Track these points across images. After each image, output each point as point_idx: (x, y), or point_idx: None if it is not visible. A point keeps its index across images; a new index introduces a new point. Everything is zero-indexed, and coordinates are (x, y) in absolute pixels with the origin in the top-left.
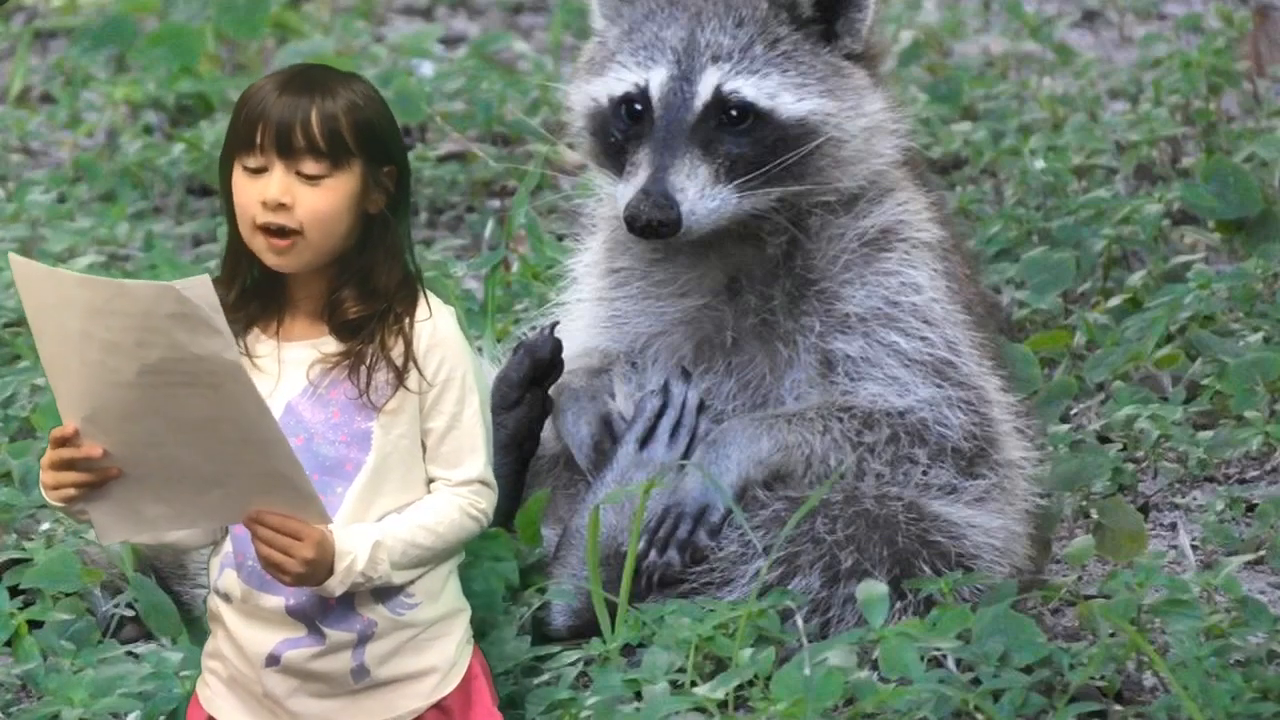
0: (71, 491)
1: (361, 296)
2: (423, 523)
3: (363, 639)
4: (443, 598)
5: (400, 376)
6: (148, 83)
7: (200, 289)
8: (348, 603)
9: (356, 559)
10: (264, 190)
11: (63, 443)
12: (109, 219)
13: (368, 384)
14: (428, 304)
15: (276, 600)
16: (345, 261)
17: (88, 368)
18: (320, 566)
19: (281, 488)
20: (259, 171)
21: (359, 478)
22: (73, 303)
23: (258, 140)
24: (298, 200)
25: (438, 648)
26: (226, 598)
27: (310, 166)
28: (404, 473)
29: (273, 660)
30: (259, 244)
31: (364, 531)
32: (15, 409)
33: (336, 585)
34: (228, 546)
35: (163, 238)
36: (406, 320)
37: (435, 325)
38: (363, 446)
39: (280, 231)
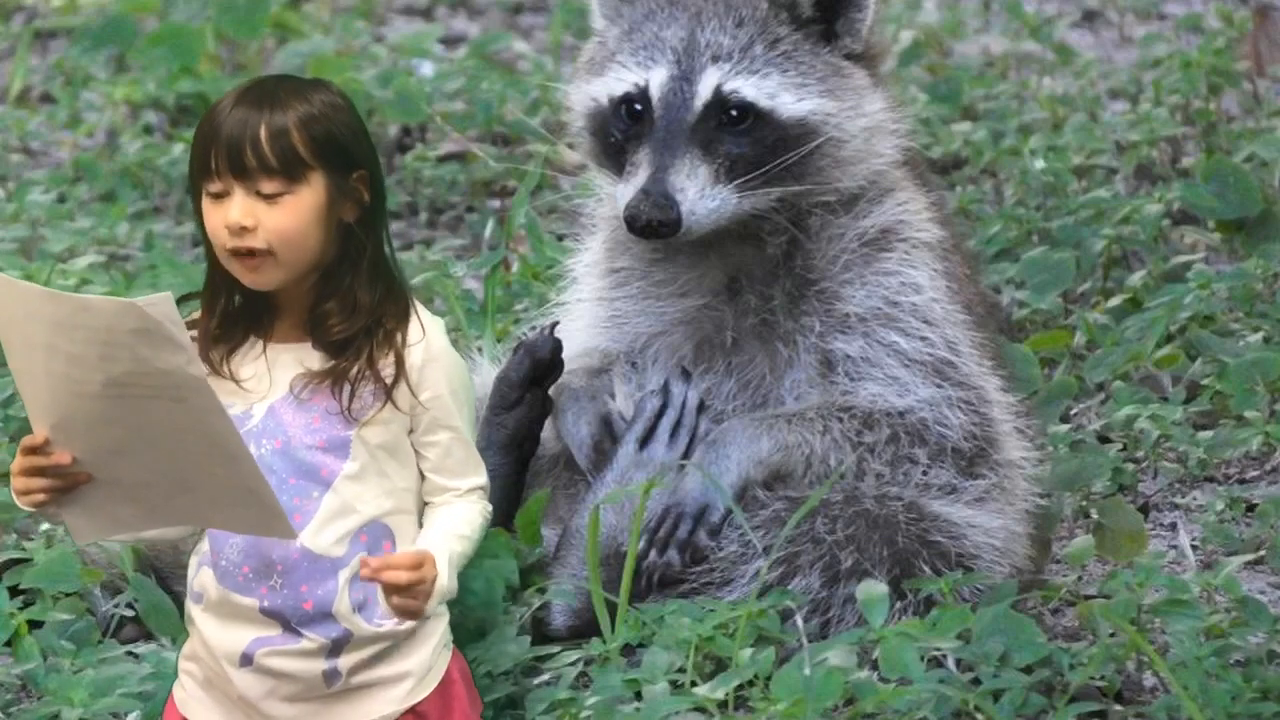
0: (41, 497)
1: (344, 312)
2: (462, 532)
3: (337, 646)
4: None
5: (389, 392)
6: (148, 83)
7: (162, 306)
8: (324, 610)
9: (442, 576)
10: (226, 215)
11: (32, 451)
12: (109, 219)
13: (350, 400)
14: (420, 321)
15: (251, 601)
16: (326, 274)
17: (53, 378)
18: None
19: (249, 501)
20: (221, 196)
21: (336, 485)
22: (37, 315)
23: (213, 165)
24: (260, 221)
25: (413, 653)
26: (199, 598)
27: (267, 185)
28: (380, 481)
29: (245, 660)
30: (234, 266)
31: (439, 549)
32: (15, 409)
33: (431, 608)
34: (205, 545)
35: (163, 238)
36: (399, 336)
37: (429, 342)
38: (340, 454)
39: (249, 253)
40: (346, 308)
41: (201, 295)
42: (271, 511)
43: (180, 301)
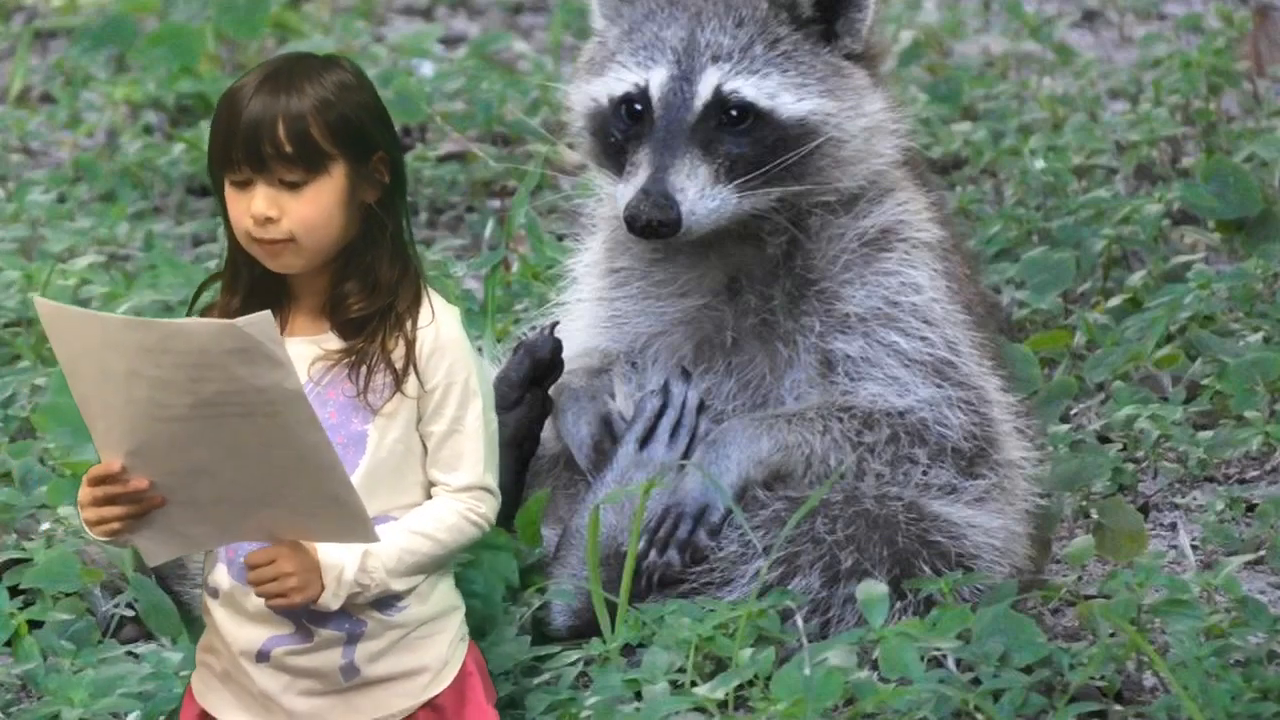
0: (117, 525)
1: (364, 291)
2: (419, 529)
3: (352, 638)
4: (433, 598)
5: (399, 380)
6: (148, 83)
7: (262, 324)
8: None
9: (345, 569)
10: (250, 204)
11: (104, 480)
12: (109, 219)
13: (366, 384)
14: (430, 305)
15: (261, 599)
16: (348, 255)
17: (134, 404)
18: (308, 576)
19: (330, 508)
20: (245, 184)
21: (353, 481)
22: (119, 344)
23: (233, 155)
24: (285, 210)
25: (429, 646)
26: (215, 593)
27: (288, 174)
28: (396, 478)
29: (262, 656)
30: (257, 250)
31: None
32: (15, 409)
33: (331, 598)
34: None
35: (163, 238)
36: (409, 322)
37: (439, 329)
38: (358, 449)
39: (273, 241)
40: (367, 286)
41: (222, 275)
42: (356, 517)
43: (203, 285)
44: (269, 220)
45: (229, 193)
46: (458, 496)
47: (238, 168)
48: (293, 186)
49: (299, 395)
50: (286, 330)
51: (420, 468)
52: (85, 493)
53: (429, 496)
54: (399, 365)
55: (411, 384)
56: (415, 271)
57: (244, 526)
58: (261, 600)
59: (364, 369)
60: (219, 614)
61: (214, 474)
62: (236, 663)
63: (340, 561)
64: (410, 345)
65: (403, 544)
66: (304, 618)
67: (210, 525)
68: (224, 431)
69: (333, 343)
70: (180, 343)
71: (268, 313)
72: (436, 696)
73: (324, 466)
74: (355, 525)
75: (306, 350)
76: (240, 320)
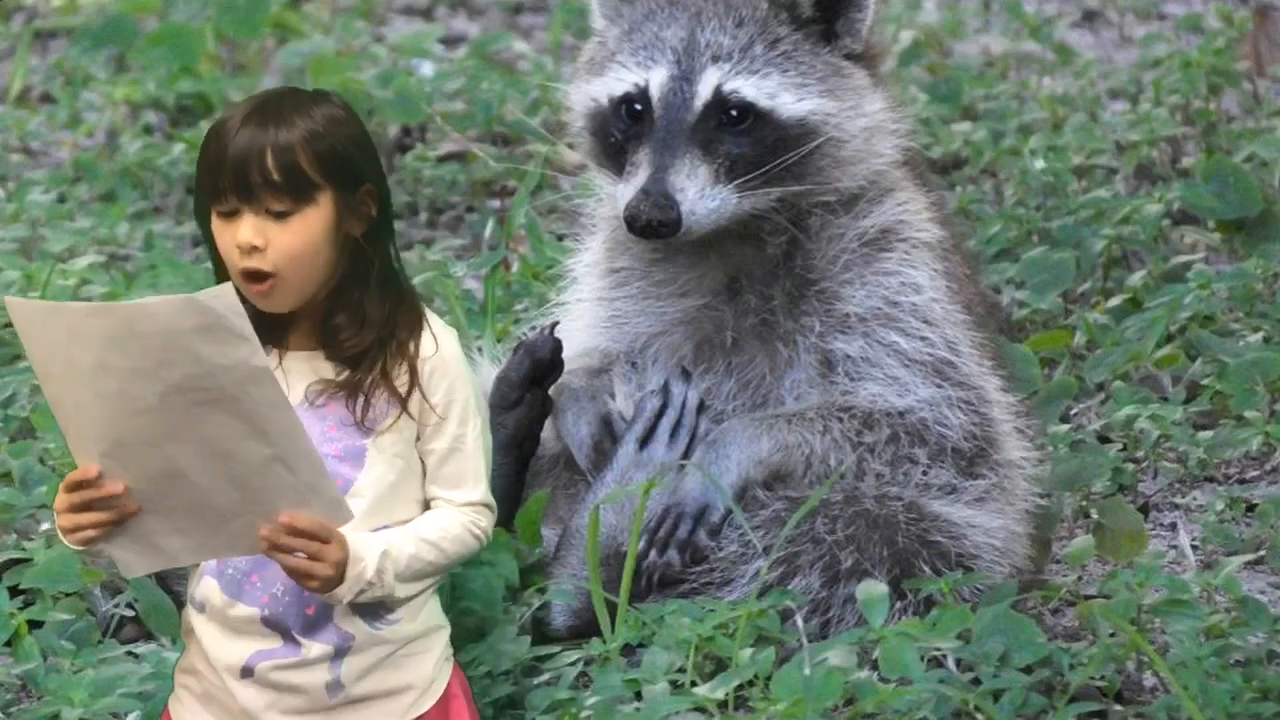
0: (91, 533)
1: (354, 326)
2: (427, 537)
3: (340, 652)
4: (423, 614)
5: (403, 403)
6: (148, 83)
7: (225, 297)
8: (325, 614)
9: (366, 566)
10: (236, 234)
11: (79, 485)
12: (109, 219)
13: (364, 412)
14: (432, 332)
15: (252, 610)
16: (337, 288)
17: (104, 399)
18: (340, 568)
19: (307, 499)
20: (231, 215)
21: (351, 494)
22: (85, 335)
23: (220, 184)
24: (271, 240)
25: (415, 665)
26: (201, 607)
27: (274, 204)
28: (394, 493)
29: (246, 672)
30: (247, 291)
31: (373, 539)
32: (15, 409)
33: (346, 592)
34: None
35: (163, 238)
36: (411, 346)
37: (440, 353)
38: (356, 464)
39: (259, 276)
40: (356, 321)
41: None
42: (331, 502)
43: None
44: (254, 249)
45: (216, 224)
46: (461, 510)
47: (225, 197)
48: (279, 216)
49: (266, 372)
50: (284, 346)
51: (418, 485)
52: (61, 499)
53: (425, 511)
54: (403, 389)
55: (416, 405)
56: (412, 300)
57: (218, 539)
58: (251, 613)
59: (361, 398)
60: (204, 629)
61: (188, 475)
62: (219, 681)
63: (365, 557)
64: (415, 371)
65: (412, 550)
66: (292, 629)
67: (187, 538)
68: (195, 422)
69: (326, 365)
70: (145, 324)
71: (229, 285)
72: (420, 716)
73: (295, 451)
74: (333, 511)
75: (303, 367)
76: (203, 294)
